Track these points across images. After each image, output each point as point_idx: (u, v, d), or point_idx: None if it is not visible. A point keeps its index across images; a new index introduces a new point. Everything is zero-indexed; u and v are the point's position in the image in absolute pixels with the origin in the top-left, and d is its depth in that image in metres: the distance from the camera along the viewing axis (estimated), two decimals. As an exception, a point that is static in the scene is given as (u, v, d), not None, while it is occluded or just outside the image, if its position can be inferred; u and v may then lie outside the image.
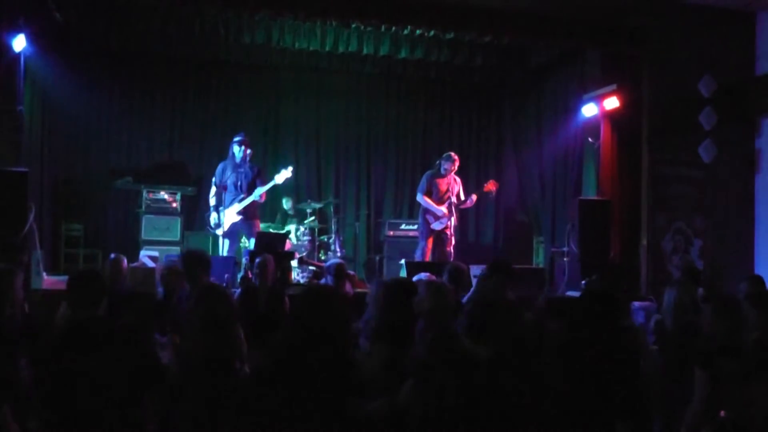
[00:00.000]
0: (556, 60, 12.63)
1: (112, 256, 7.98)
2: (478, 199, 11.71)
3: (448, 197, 11.02)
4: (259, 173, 10.82)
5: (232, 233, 10.58)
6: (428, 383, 4.13)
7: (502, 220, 14.63)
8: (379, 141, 14.45)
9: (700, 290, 7.24)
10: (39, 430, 4.25)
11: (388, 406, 4.22)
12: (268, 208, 12.48)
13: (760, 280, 7.24)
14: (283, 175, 10.77)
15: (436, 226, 11.04)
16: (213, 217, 10.57)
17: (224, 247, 10.54)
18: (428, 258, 10.95)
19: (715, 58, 10.97)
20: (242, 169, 10.61)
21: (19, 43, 9.38)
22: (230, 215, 10.51)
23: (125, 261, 8.03)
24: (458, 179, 11.33)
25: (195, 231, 12.47)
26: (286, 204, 12.61)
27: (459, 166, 11.28)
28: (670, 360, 5.86)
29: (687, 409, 5.10)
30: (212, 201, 10.67)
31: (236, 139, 10.67)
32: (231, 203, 10.55)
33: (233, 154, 10.61)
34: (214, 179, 10.74)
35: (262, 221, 11.48)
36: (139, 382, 3.60)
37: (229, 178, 10.59)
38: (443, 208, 10.97)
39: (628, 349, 5.05)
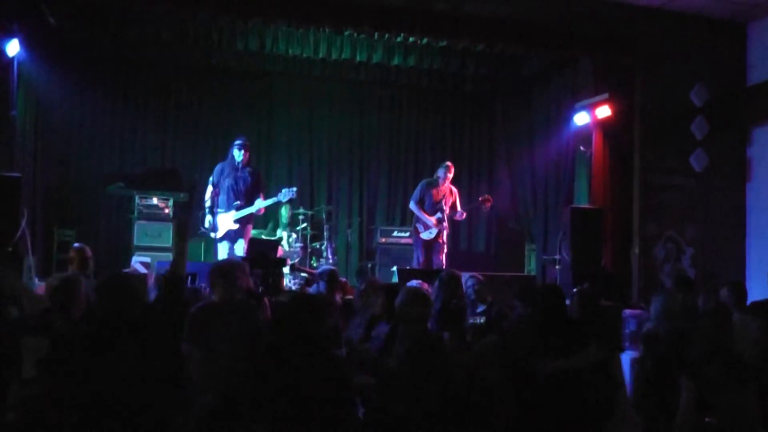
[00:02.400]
0: (548, 68, 12.66)
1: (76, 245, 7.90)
2: (469, 207, 11.76)
3: (440, 207, 11.03)
4: (259, 180, 10.72)
5: (229, 237, 10.45)
6: (408, 387, 4.20)
7: (494, 227, 14.67)
8: (371, 148, 14.48)
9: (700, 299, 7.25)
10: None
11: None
12: (263, 215, 12.46)
13: (741, 286, 7.26)
14: (287, 195, 10.55)
15: (425, 235, 11.04)
16: (207, 219, 10.48)
17: (222, 251, 10.47)
18: (423, 266, 10.96)
19: (707, 67, 11.03)
20: (240, 173, 10.46)
21: (13, 47, 9.38)
22: (227, 221, 10.39)
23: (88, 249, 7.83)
24: (455, 190, 11.35)
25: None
26: (285, 212, 12.55)
27: (453, 174, 11.27)
28: (656, 366, 5.91)
29: (670, 415, 5.17)
30: (208, 202, 10.52)
31: (237, 142, 10.51)
32: (228, 208, 10.41)
33: (233, 156, 10.47)
34: (211, 178, 10.62)
35: (255, 228, 11.49)
36: None
37: (227, 180, 10.46)
38: (433, 219, 10.97)
39: None
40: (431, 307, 5.61)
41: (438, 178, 11.20)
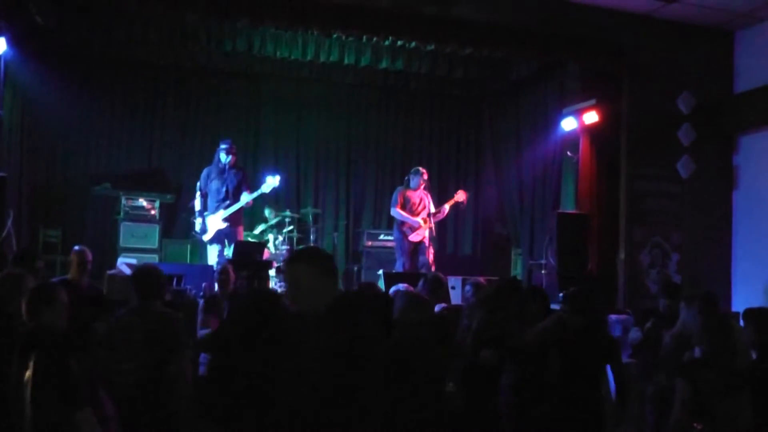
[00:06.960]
0: (536, 73, 12.65)
1: (76, 247, 7.52)
2: (454, 211, 11.72)
3: (422, 209, 11.01)
4: (244, 177, 10.75)
5: (219, 239, 10.47)
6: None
7: (480, 231, 14.67)
8: (358, 151, 14.47)
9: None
10: None
11: None
12: (248, 217, 12.41)
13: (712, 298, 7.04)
14: (270, 183, 10.63)
15: (414, 237, 10.97)
16: (198, 222, 10.56)
17: (212, 254, 10.50)
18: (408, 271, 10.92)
19: (694, 75, 11.07)
20: (227, 175, 10.54)
21: (0, 46, 9.34)
22: (216, 221, 10.44)
23: (89, 253, 7.51)
24: (428, 194, 11.31)
25: (173, 238, 12.41)
26: (269, 214, 12.52)
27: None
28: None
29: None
30: (197, 206, 10.61)
31: (223, 146, 10.60)
32: (216, 209, 10.47)
33: (219, 160, 10.56)
34: (198, 183, 10.72)
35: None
36: None
37: (213, 184, 10.53)
38: (419, 219, 10.95)
39: None
40: (431, 312, 5.54)
41: (412, 183, 11.13)
